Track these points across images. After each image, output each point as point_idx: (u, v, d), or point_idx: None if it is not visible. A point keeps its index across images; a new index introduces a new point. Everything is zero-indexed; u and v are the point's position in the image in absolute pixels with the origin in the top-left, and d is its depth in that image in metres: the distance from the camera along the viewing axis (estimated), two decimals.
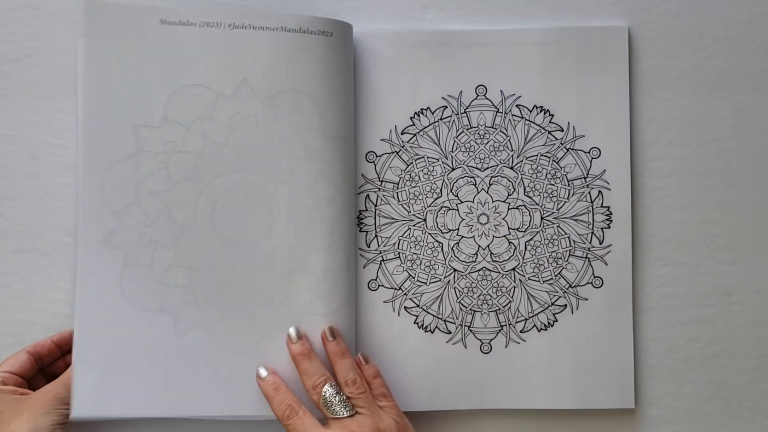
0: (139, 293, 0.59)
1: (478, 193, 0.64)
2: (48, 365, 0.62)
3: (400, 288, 0.64)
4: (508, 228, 0.64)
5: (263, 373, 0.59)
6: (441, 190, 0.64)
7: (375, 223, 0.64)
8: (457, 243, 0.64)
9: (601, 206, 0.64)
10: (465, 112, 0.64)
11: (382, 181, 0.64)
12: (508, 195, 0.64)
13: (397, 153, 0.64)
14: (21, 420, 0.56)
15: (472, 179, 0.64)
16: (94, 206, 0.58)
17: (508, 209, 0.64)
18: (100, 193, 0.58)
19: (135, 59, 0.58)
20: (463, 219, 0.64)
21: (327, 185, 0.60)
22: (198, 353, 0.59)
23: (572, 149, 0.64)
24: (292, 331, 0.59)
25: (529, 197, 0.64)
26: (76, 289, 0.59)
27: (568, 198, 0.64)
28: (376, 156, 0.64)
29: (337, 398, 0.56)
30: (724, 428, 0.65)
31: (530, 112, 0.64)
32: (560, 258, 0.64)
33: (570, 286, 0.64)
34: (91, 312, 0.58)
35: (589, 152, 0.64)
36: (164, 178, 0.59)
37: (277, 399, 0.57)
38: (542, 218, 0.64)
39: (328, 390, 0.57)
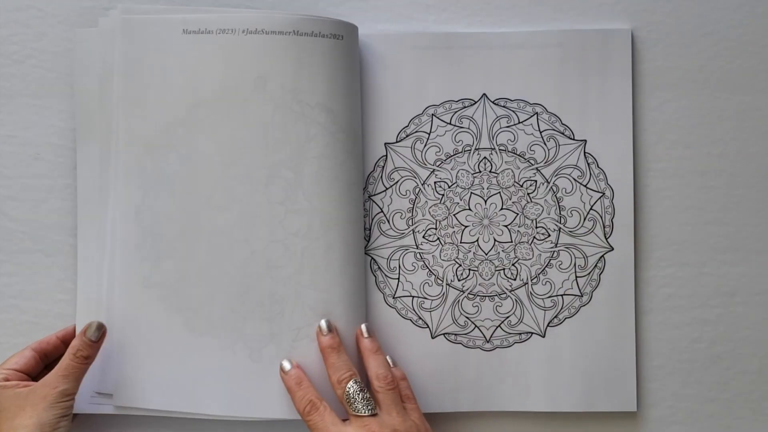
0: (161, 288, 0.61)
1: (483, 195, 0.64)
2: (53, 361, 0.62)
3: (406, 290, 0.64)
4: (511, 231, 0.64)
5: (287, 366, 0.59)
6: (445, 194, 0.64)
7: (381, 226, 0.64)
8: (462, 247, 0.64)
9: (604, 208, 0.64)
10: (468, 116, 0.64)
11: (385, 185, 0.64)
12: (511, 197, 0.64)
13: (401, 155, 0.64)
14: (24, 415, 0.56)
15: (476, 182, 0.64)
16: (131, 207, 0.61)
17: (512, 212, 0.64)
18: (134, 191, 0.61)
19: (162, 66, 0.61)
20: (468, 224, 0.64)
21: (336, 188, 0.61)
22: (209, 352, 0.61)
23: (575, 151, 0.64)
24: (323, 323, 0.60)
25: (532, 200, 0.64)
26: (113, 282, 0.61)
27: (571, 199, 0.64)
28: (381, 158, 0.64)
29: (360, 395, 0.56)
30: (728, 429, 0.65)
31: (533, 115, 0.64)
32: (562, 260, 0.64)
33: (572, 287, 0.64)
34: (121, 303, 0.61)
35: (592, 154, 0.64)
36: (185, 176, 0.61)
37: (299, 394, 0.58)
38: (545, 220, 0.64)
39: (352, 386, 0.57)
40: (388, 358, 0.61)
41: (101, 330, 0.59)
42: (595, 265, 0.64)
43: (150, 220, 0.61)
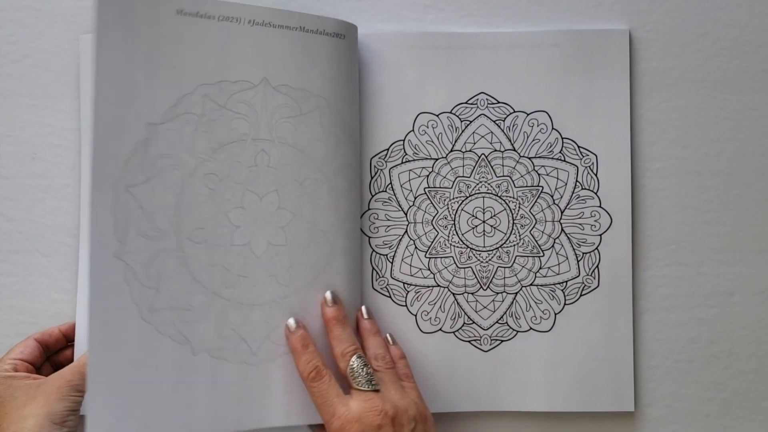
0: (153, 310, 0.56)
1: (481, 196, 0.64)
2: (54, 354, 0.63)
3: (401, 288, 0.64)
4: (510, 230, 0.64)
5: (293, 325, 0.58)
6: (444, 193, 0.64)
7: (377, 225, 0.64)
8: (459, 246, 0.64)
9: (601, 207, 0.64)
10: (466, 116, 0.64)
11: (384, 184, 0.64)
12: (510, 197, 0.64)
13: (399, 156, 0.64)
14: (35, 404, 0.55)
15: (475, 182, 0.64)
16: (106, 215, 0.54)
17: (510, 211, 0.64)
18: (112, 203, 0.54)
19: (148, 51, 0.55)
20: (467, 225, 0.64)
21: (336, 187, 0.61)
22: (213, 368, 0.57)
23: (573, 150, 0.64)
24: (328, 294, 0.59)
25: (531, 199, 0.64)
26: (87, 296, 0.54)
27: (569, 199, 0.64)
28: (379, 159, 0.64)
29: (364, 370, 0.56)
30: (725, 429, 0.65)
31: (531, 114, 0.64)
32: (560, 258, 0.64)
33: (569, 286, 0.64)
34: (105, 321, 0.54)
35: (590, 154, 0.64)
36: (177, 177, 0.56)
37: (305, 357, 0.57)
38: (542, 219, 0.64)
39: (356, 361, 0.56)
40: (388, 335, 0.62)
41: None
42: (593, 265, 0.64)
43: (137, 229, 0.56)
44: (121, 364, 0.54)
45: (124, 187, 0.54)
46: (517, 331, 0.64)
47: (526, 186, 0.64)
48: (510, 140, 0.64)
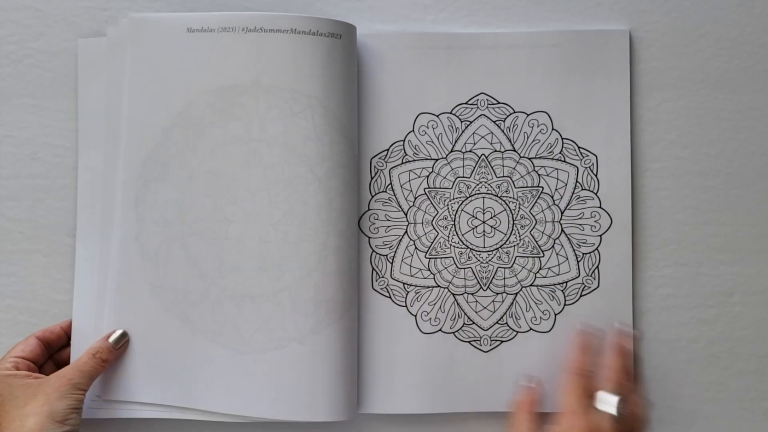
0: (162, 289, 0.62)
1: (481, 196, 0.64)
2: (56, 351, 0.63)
3: (401, 288, 0.64)
4: (510, 230, 0.64)
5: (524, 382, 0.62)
6: (444, 193, 0.64)
7: (377, 225, 0.64)
8: (459, 246, 0.64)
9: (601, 207, 0.64)
10: (466, 117, 0.64)
11: (384, 185, 0.64)
12: (510, 198, 0.64)
13: (399, 156, 0.64)
14: (36, 403, 0.56)
15: (475, 182, 0.64)
16: (134, 205, 0.62)
17: (510, 212, 0.64)
18: (135, 195, 0.62)
19: (167, 64, 0.62)
20: (467, 225, 0.64)
21: (329, 187, 0.61)
22: (209, 351, 0.61)
23: (573, 151, 0.64)
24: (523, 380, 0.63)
25: (531, 200, 0.64)
26: (115, 280, 0.62)
27: (569, 199, 0.64)
28: (379, 159, 0.64)
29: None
30: (725, 429, 0.65)
31: (531, 114, 0.64)
32: (560, 259, 0.64)
33: (570, 287, 0.64)
34: (125, 304, 0.62)
35: (590, 154, 0.64)
36: (185, 173, 0.61)
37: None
38: (543, 220, 0.64)
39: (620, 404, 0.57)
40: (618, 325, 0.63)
41: (124, 339, 0.61)
42: (592, 265, 0.64)
43: (151, 218, 0.61)
44: (131, 333, 0.62)
45: (144, 182, 0.62)
46: (517, 332, 0.64)
47: (526, 186, 0.64)
48: (510, 141, 0.64)
